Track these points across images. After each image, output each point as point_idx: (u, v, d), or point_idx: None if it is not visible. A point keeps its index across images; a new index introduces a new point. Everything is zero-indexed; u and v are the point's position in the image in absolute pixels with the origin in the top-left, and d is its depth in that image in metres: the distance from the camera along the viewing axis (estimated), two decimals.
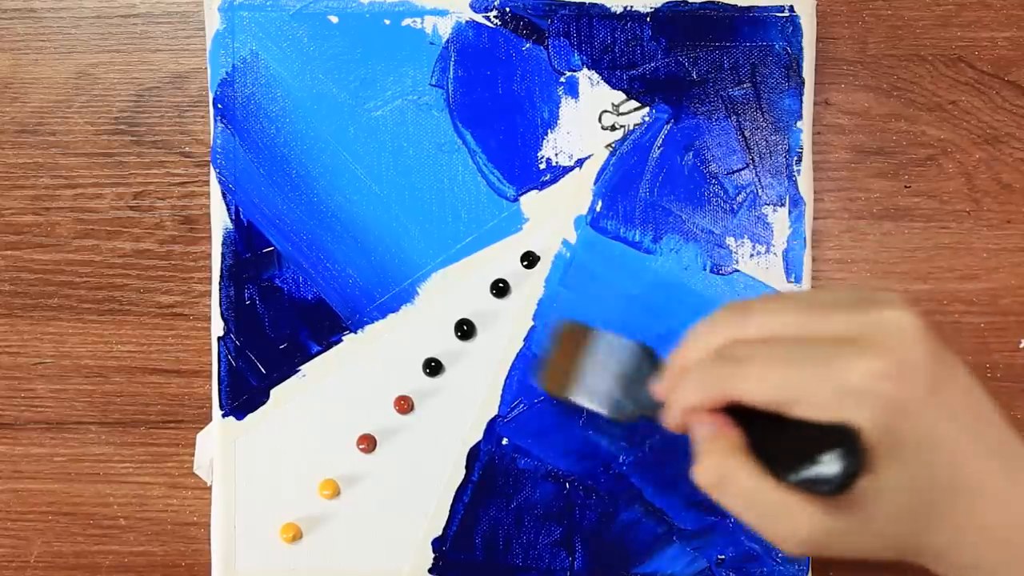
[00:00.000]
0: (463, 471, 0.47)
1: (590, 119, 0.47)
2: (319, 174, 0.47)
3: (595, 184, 0.47)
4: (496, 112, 0.47)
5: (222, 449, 0.46)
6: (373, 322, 0.47)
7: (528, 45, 0.47)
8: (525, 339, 0.47)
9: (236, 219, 0.47)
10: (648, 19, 0.47)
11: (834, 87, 0.48)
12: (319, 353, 0.47)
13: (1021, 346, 0.48)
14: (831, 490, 0.27)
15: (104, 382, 0.48)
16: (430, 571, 0.46)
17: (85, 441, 0.48)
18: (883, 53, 0.48)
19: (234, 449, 0.46)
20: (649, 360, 0.35)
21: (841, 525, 0.28)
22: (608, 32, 0.47)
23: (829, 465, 0.27)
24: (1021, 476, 0.29)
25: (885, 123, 0.48)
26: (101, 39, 0.48)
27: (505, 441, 0.47)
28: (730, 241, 0.47)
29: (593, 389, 0.36)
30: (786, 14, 0.47)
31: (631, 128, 0.47)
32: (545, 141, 0.47)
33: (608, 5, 0.47)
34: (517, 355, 0.47)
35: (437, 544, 0.47)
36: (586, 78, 0.47)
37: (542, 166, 0.47)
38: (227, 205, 0.47)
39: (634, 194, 0.47)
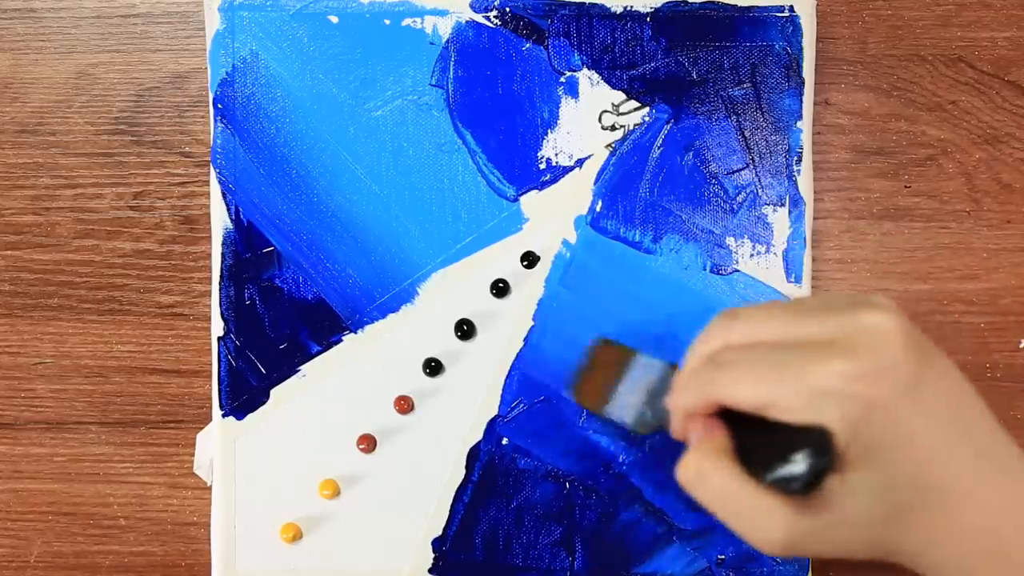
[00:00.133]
0: (463, 471, 0.47)
1: (590, 119, 0.47)
2: (319, 174, 0.47)
3: (595, 184, 0.47)
4: (496, 112, 0.47)
5: (222, 449, 0.46)
6: (373, 322, 0.47)
7: (528, 45, 0.47)
8: (525, 339, 0.47)
9: (236, 219, 0.47)
10: (648, 19, 0.47)
11: (834, 87, 0.48)
12: (319, 353, 0.47)
13: (1021, 346, 0.48)
14: (799, 488, 0.28)
15: (104, 382, 0.48)
16: (430, 571, 0.46)
17: (85, 441, 0.48)
18: (883, 53, 0.48)
19: (234, 449, 0.46)
20: (674, 375, 0.36)
21: (813, 524, 0.29)
22: (608, 32, 0.47)
23: (798, 464, 0.28)
24: (1000, 477, 0.30)
25: (885, 123, 0.48)
26: (101, 39, 0.48)
27: (505, 441, 0.47)
28: (730, 241, 0.47)
29: (626, 406, 0.37)
30: (786, 14, 0.47)
31: (631, 128, 0.47)
32: (545, 141, 0.47)
33: (608, 5, 0.47)
34: (517, 355, 0.47)
35: (437, 544, 0.47)
36: (586, 78, 0.47)
37: (542, 166, 0.47)
38: (227, 205, 0.47)
39: (634, 194, 0.47)
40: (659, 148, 0.47)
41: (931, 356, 0.30)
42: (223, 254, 0.47)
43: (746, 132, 0.47)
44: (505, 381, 0.47)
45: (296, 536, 0.46)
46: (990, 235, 0.48)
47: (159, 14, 0.48)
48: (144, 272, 0.48)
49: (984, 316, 0.48)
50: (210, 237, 0.47)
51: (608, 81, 0.47)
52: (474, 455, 0.47)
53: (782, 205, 0.47)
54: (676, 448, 0.46)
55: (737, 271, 0.47)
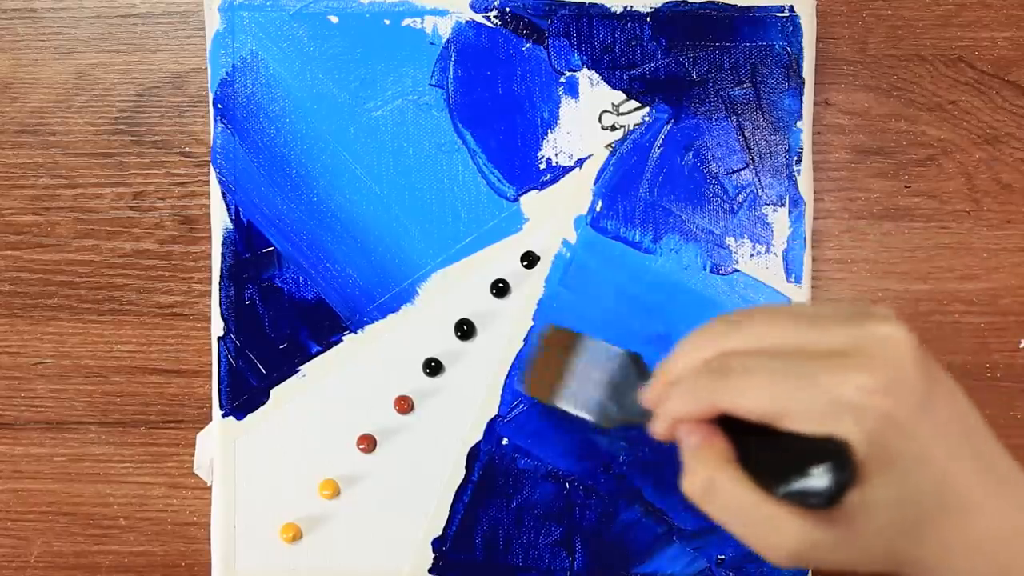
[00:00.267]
0: (463, 471, 0.47)
1: (590, 119, 0.47)
2: (319, 174, 0.47)
3: (595, 184, 0.47)
4: (496, 112, 0.47)
5: (222, 449, 0.46)
6: (373, 322, 0.47)
7: (528, 45, 0.47)
8: (525, 339, 0.47)
9: (236, 219, 0.47)
10: (648, 19, 0.47)
11: (834, 87, 0.48)
12: (319, 353, 0.47)
13: (1021, 346, 0.48)
14: (821, 503, 0.27)
15: (104, 382, 0.48)
16: (430, 571, 0.46)
17: (85, 441, 0.48)
18: (883, 53, 0.48)
19: (234, 449, 0.46)
20: (636, 367, 0.35)
21: (829, 538, 0.28)
22: (608, 32, 0.47)
23: (819, 478, 0.27)
24: (1008, 490, 0.30)
25: (885, 123, 0.48)
26: (101, 39, 0.48)
27: (505, 441, 0.47)
28: (730, 241, 0.47)
29: (579, 395, 0.36)
30: (786, 14, 0.47)
31: (631, 128, 0.47)
32: (545, 141, 0.47)
33: (608, 5, 0.47)
34: (517, 355, 0.47)
35: (437, 544, 0.47)
36: (586, 78, 0.47)
37: (542, 166, 0.47)
38: (227, 205, 0.47)
39: (634, 194, 0.47)
40: (659, 148, 0.47)
41: (937, 370, 0.30)
42: (223, 254, 0.47)
43: (746, 132, 0.47)
44: (505, 381, 0.47)
45: (296, 536, 0.46)
46: (990, 235, 0.48)
47: (159, 14, 0.48)
48: (144, 272, 0.48)
49: (984, 316, 0.48)
50: (210, 237, 0.47)
51: (608, 81, 0.47)
52: (474, 455, 0.47)
53: (782, 205, 0.47)
54: (675, 449, 0.46)
55: (737, 271, 0.47)
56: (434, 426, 0.47)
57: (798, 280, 0.47)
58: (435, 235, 0.47)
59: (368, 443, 0.46)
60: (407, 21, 0.47)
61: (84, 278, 0.48)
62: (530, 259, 0.47)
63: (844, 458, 0.27)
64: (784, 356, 0.29)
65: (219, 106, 0.47)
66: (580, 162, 0.47)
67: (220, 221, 0.47)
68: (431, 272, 0.47)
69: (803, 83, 0.47)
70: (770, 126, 0.47)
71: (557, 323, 0.39)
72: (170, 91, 0.48)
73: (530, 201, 0.47)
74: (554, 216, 0.47)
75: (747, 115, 0.47)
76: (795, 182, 0.47)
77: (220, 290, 0.47)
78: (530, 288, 0.47)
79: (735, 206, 0.47)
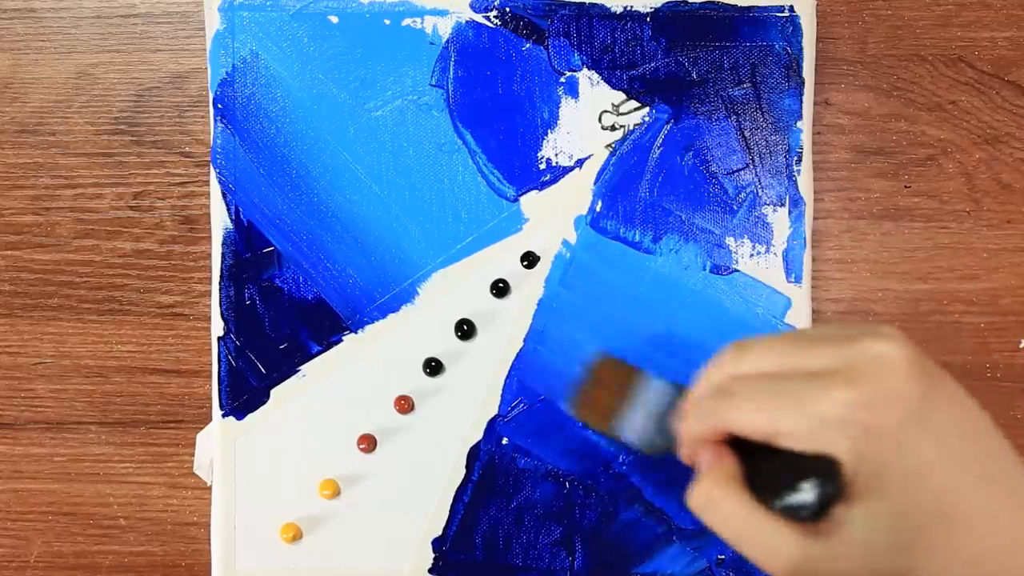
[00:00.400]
0: (463, 471, 0.47)
1: (590, 119, 0.47)
2: (319, 174, 0.47)
3: (595, 184, 0.47)
4: (496, 112, 0.47)
5: (222, 449, 0.46)
6: (373, 322, 0.47)
7: (528, 45, 0.47)
8: (525, 339, 0.47)
9: (236, 219, 0.47)
10: (648, 19, 0.47)
11: (834, 87, 0.48)
12: (319, 353, 0.47)
13: (1021, 346, 0.48)
14: (808, 516, 0.28)
15: (104, 382, 0.48)
16: (430, 571, 0.46)
17: (85, 441, 0.48)
18: (883, 53, 0.48)
19: (234, 449, 0.46)
20: (682, 398, 0.36)
21: (821, 551, 0.29)
22: (608, 32, 0.47)
23: (807, 492, 0.28)
24: (1012, 501, 0.29)
25: (885, 123, 0.48)
26: (101, 39, 0.48)
27: (505, 441, 0.47)
28: (730, 241, 0.47)
29: (631, 426, 0.37)
30: (786, 14, 0.47)
31: (631, 128, 0.47)
32: (545, 141, 0.47)
33: (608, 5, 0.47)
34: (517, 355, 0.47)
35: (437, 544, 0.47)
36: (586, 78, 0.47)
37: (542, 166, 0.47)
38: (227, 205, 0.47)
39: (634, 194, 0.47)
40: (659, 148, 0.47)
41: (938, 381, 0.30)
42: (223, 254, 0.47)
43: (746, 132, 0.47)
44: (505, 381, 0.47)
45: (296, 536, 0.46)
46: (990, 235, 0.48)
47: (159, 14, 0.48)
48: (144, 272, 0.48)
49: (984, 316, 0.48)
50: (210, 237, 0.47)
51: (608, 81, 0.47)
52: (474, 455, 0.47)
53: (782, 205, 0.47)
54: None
55: (737, 271, 0.47)
56: (434, 426, 0.47)
57: (798, 280, 0.47)
58: (435, 235, 0.47)
59: (368, 443, 0.46)
60: (407, 21, 0.47)
61: (84, 278, 0.48)
62: (530, 259, 0.47)
63: (832, 472, 0.28)
64: (780, 378, 0.30)
65: (219, 106, 0.47)
66: (580, 162, 0.47)
67: (220, 221, 0.47)
68: (431, 272, 0.47)
69: (803, 83, 0.47)
70: (770, 126, 0.47)
71: (611, 352, 0.41)
72: (170, 91, 0.48)
73: (530, 201, 0.47)
74: (554, 216, 0.47)
75: (747, 115, 0.47)
76: (795, 182, 0.47)
77: (220, 290, 0.47)
78: (530, 288, 0.47)
79: (735, 206, 0.47)
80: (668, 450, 0.36)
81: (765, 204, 0.47)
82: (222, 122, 0.47)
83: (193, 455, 0.47)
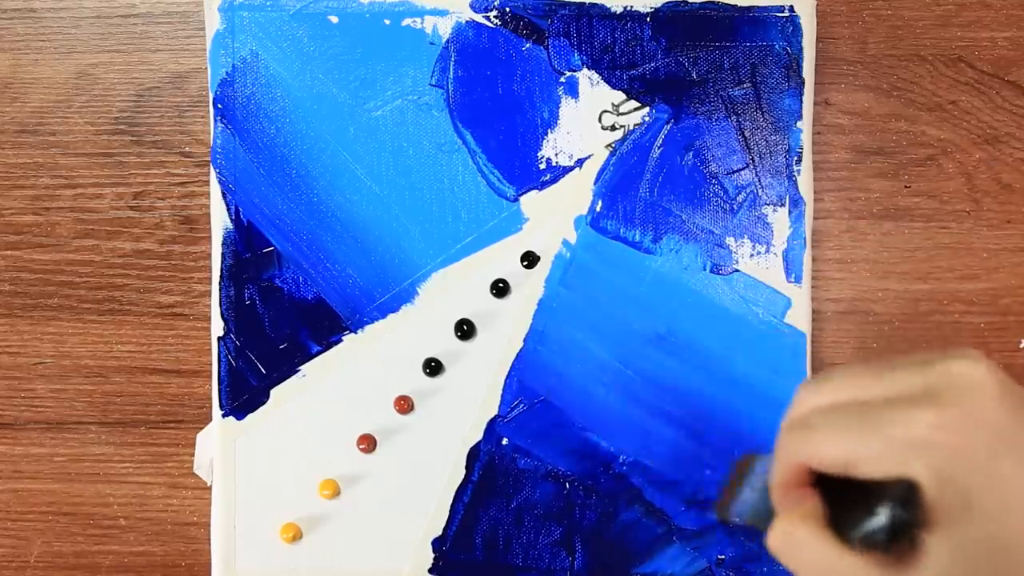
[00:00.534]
0: (463, 471, 0.47)
1: (590, 119, 0.47)
2: (319, 174, 0.47)
3: (595, 184, 0.47)
4: (496, 112, 0.47)
5: (222, 449, 0.46)
6: (373, 322, 0.47)
7: (528, 45, 0.47)
8: (525, 339, 0.47)
9: (236, 219, 0.47)
10: (648, 19, 0.47)
11: (834, 87, 0.48)
12: (319, 353, 0.47)
13: (1021, 346, 0.48)
14: (883, 542, 0.27)
15: (104, 382, 0.48)
16: (430, 571, 0.46)
17: (85, 441, 0.48)
18: (883, 53, 0.48)
19: (234, 449, 0.46)
20: None
21: None
22: (608, 32, 0.47)
23: (881, 516, 0.27)
24: None
25: (885, 123, 0.48)
26: (101, 39, 0.48)
27: (505, 441, 0.47)
28: (730, 241, 0.47)
29: (745, 503, 0.36)
30: (786, 14, 0.47)
31: (631, 128, 0.47)
32: (545, 141, 0.47)
33: (608, 5, 0.47)
34: (517, 355, 0.47)
35: (437, 544, 0.47)
36: (586, 78, 0.47)
37: (542, 166, 0.47)
38: (227, 205, 0.47)
39: (634, 194, 0.47)
40: (659, 148, 0.47)
41: None
42: (223, 254, 0.47)
43: (746, 132, 0.47)
44: (505, 381, 0.47)
45: (296, 536, 0.46)
46: (990, 235, 0.48)
47: (159, 14, 0.48)
48: (144, 272, 0.48)
49: (984, 316, 0.48)
50: (210, 237, 0.47)
51: (608, 81, 0.47)
52: (474, 455, 0.47)
53: (782, 205, 0.47)
54: (676, 448, 0.46)
55: (737, 271, 0.47)
56: (434, 426, 0.47)
57: (798, 280, 0.47)
58: (435, 235, 0.47)
59: (368, 443, 0.46)
60: (407, 21, 0.47)
61: (84, 278, 0.48)
62: (530, 259, 0.47)
63: (909, 495, 0.27)
64: (859, 407, 0.29)
65: (219, 106, 0.47)
66: (580, 162, 0.47)
67: (220, 221, 0.47)
68: (431, 272, 0.47)
69: (803, 83, 0.47)
70: (770, 126, 0.47)
71: (753, 452, 0.40)
72: (170, 91, 0.48)
73: (530, 201, 0.47)
74: (554, 216, 0.47)
75: (747, 115, 0.47)
76: (795, 182, 0.47)
77: (220, 290, 0.47)
78: (530, 288, 0.47)
79: (735, 206, 0.47)
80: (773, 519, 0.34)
81: (765, 204, 0.47)
82: (222, 122, 0.47)
83: (193, 455, 0.47)
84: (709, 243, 0.47)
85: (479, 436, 0.47)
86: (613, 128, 0.47)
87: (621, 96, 0.47)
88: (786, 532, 0.29)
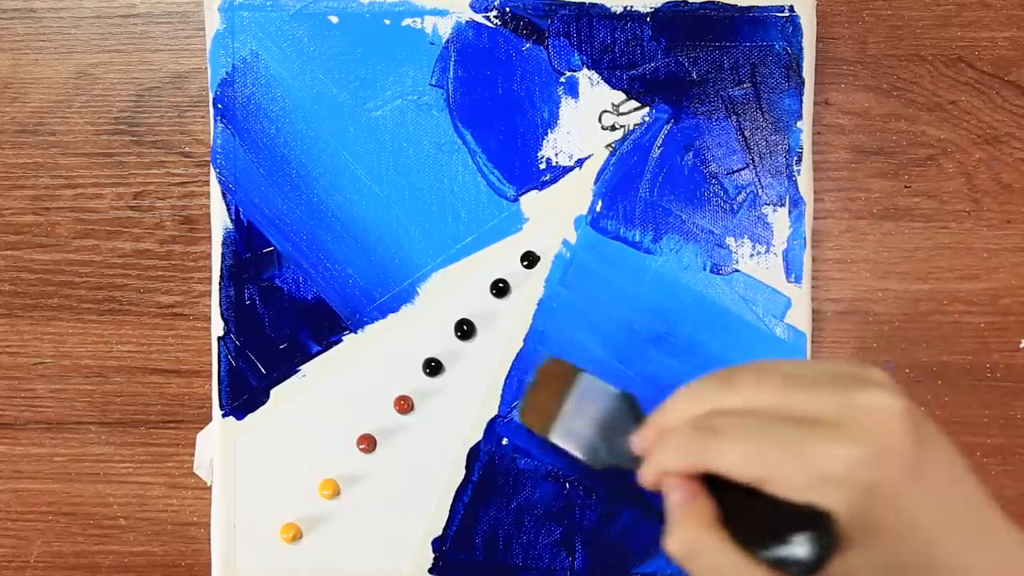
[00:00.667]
0: (463, 471, 0.47)
1: (590, 119, 0.47)
2: (319, 174, 0.47)
3: (595, 184, 0.47)
4: (496, 112, 0.47)
5: (222, 449, 0.46)
6: (373, 322, 0.47)
7: (528, 45, 0.47)
8: (525, 339, 0.47)
9: (236, 219, 0.47)
10: (648, 19, 0.47)
11: (834, 87, 0.48)
12: (319, 353, 0.47)
13: (1021, 346, 0.48)
14: (800, 572, 0.27)
15: (104, 382, 0.48)
16: (430, 571, 0.46)
17: (85, 441, 0.48)
18: (883, 53, 0.48)
19: (234, 449, 0.46)
20: (630, 411, 0.35)
21: None
22: (608, 32, 0.47)
23: (800, 547, 0.27)
24: (997, 554, 0.29)
25: (885, 123, 0.48)
26: (101, 39, 0.48)
27: (505, 441, 0.47)
28: (730, 241, 0.47)
29: (572, 431, 0.36)
30: (786, 14, 0.47)
31: (631, 128, 0.47)
32: (545, 141, 0.47)
33: (608, 5, 0.47)
34: (517, 355, 0.47)
35: (437, 544, 0.47)
36: (586, 78, 0.47)
37: (542, 166, 0.47)
38: (227, 205, 0.47)
39: (634, 194, 0.47)
40: (659, 148, 0.47)
41: (930, 434, 0.29)
42: (223, 254, 0.47)
43: (746, 132, 0.47)
44: (505, 381, 0.47)
45: (296, 536, 0.46)
46: (990, 235, 0.48)
47: (159, 14, 0.48)
48: (144, 272, 0.48)
49: (984, 316, 0.48)
50: (210, 237, 0.47)
51: (608, 81, 0.47)
52: (474, 455, 0.47)
53: (782, 205, 0.47)
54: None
55: (737, 271, 0.47)
56: (434, 426, 0.47)
57: (798, 280, 0.47)
58: (435, 235, 0.47)
59: (368, 443, 0.46)
60: (407, 21, 0.47)
61: (84, 278, 0.48)
62: (530, 259, 0.47)
63: (826, 527, 0.27)
64: (771, 420, 0.29)
65: (219, 106, 0.47)
66: (580, 162, 0.47)
67: (220, 221, 0.47)
68: (431, 272, 0.47)
69: (803, 83, 0.47)
70: (770, 126, 0.47)
71: (557, 355, 0.39)
72: (170, 91, 0.48)
73: (530, 201, 0.47)
74: (554, 216, 0.47)
75: (747, 115, 0.47)
76: (795, 182, 0.47)
77: (220, 290, 0.47)
78: (530, 288, 0.47)
79: (735, 206, 0.47)
80: (616, 467, 0.34)
81: (765, 204, 0.47)
82: (222, 122, 0.47)
83: (193, 455, 0.47)
84: (709, 243, 0.47)
85: (479, 436, 0.47)
86: (613, 128, 0.47)
87: (621, 96, 0.47)
88: (688, 539, 0.29)
